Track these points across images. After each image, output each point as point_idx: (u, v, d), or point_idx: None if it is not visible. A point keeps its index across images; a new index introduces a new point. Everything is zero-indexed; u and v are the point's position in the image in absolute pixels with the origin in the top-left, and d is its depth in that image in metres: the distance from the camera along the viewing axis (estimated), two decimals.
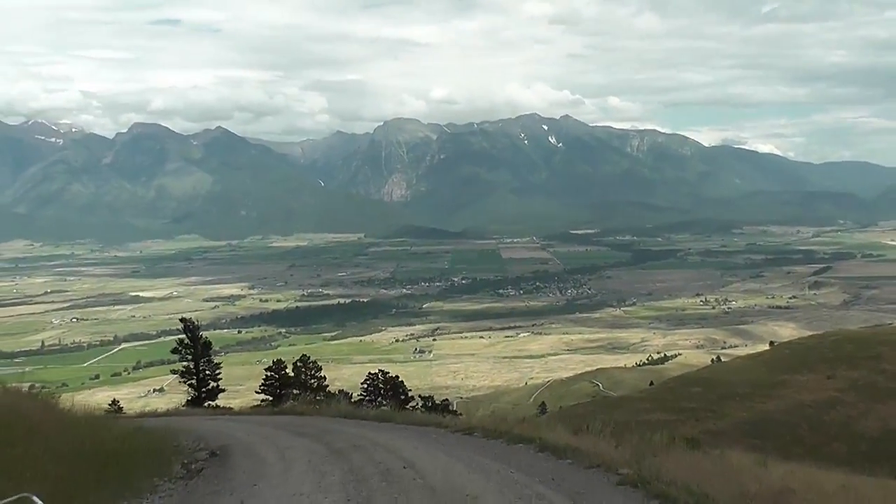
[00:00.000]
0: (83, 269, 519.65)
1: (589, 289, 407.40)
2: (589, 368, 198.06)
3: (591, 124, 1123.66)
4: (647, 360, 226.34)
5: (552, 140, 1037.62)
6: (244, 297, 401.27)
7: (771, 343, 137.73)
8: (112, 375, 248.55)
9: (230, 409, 37.59)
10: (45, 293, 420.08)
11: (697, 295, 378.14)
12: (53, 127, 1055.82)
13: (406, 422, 25.19)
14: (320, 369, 45.65)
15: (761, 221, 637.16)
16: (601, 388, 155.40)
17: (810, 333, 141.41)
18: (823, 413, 71.14)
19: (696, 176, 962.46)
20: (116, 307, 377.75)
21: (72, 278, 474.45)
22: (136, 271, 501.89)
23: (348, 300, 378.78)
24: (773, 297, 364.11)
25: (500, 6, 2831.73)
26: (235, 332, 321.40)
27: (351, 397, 46.03)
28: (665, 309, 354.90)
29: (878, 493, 18.23)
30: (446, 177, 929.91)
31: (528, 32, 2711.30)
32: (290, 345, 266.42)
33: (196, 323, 41.28)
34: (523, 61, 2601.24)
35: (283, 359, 44.94)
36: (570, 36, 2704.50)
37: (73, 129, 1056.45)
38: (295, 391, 42.46)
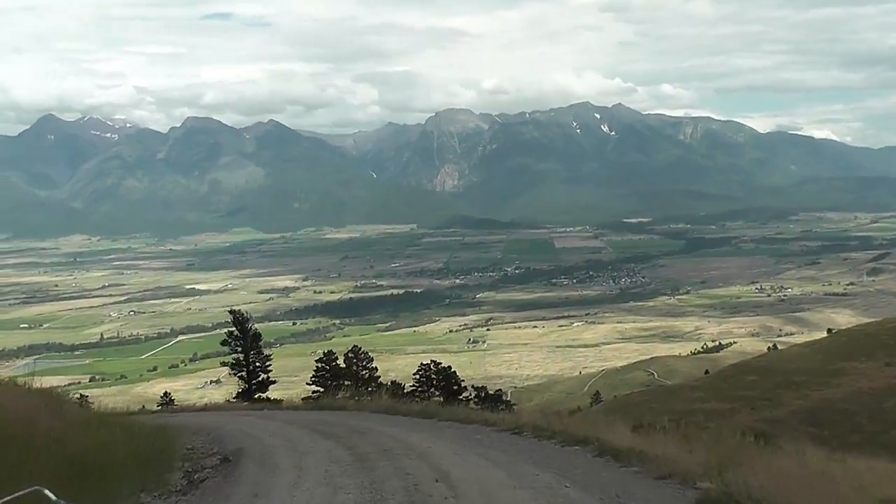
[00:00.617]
0: (139, 262, 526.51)
1: (642, 277, 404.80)
2: (643, 357, 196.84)
3: (643, 112, 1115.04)
4: (702, 348, 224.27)
5: (604, 129, 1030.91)
6: (298, 288, 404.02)
7: (828, 330, 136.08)
8: (169, 367, 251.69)
9: (279, 401, 37.56)
10: (103, 287, 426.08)
11: (752, 283, 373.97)
12: (108, 122, 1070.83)
13: (450, 418, 23.25)
14: (371, 360, 45.53)
15: (817, 208, 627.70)
16: (655, 376, 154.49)
17: (868, 320, 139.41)
18: (882, 400, 69.91)
19: (750, 163, 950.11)
20: (172, 300, 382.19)
21: (128, 272, 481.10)
22: (191, 264, 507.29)
23: (401, 291, 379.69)
24: (829, 284, 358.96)
25: None
26: (290, 323, 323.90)
27: (403, 388, 45.83)
28: (719, 297, 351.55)
29: None
30: (498, 167, 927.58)
31: (578, 21, 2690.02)
32: (344, 336, 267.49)
33: (245, 315, 41.09)
34: (574, 50, 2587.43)
35: (333, 350, 44.70)
36: (621, 24, 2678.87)
37: (128, 125, 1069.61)
38: (346, 382, 42.44)
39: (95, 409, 25.81)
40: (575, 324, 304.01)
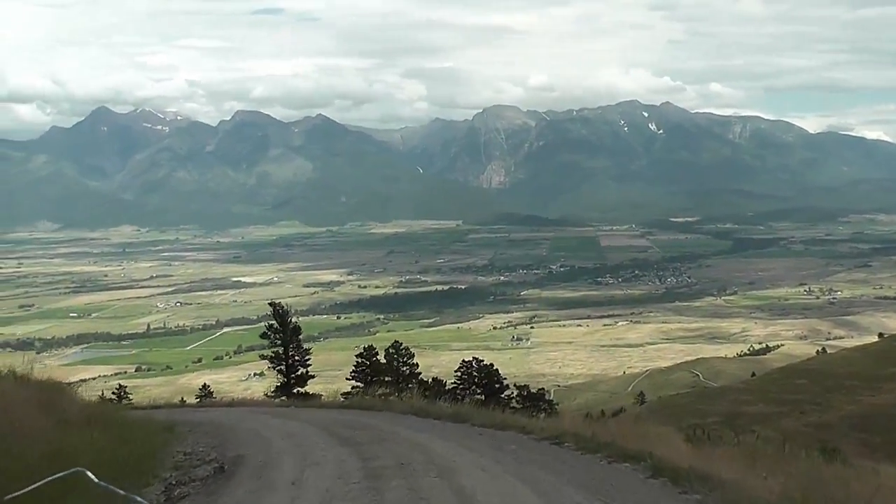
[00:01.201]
0: (187, 254, 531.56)
1: (688, 277, 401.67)
2: (688, 358, 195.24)
3: (691, 111, 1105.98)
4: (748, 350, 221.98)
5: (652, 127, 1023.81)
6: (343, 283, 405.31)
7: (880, 335, 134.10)
8: (214, 359, 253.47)
9: (318, 396, 37.31)
10: (151, 277, 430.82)
11: (801, 284, 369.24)
12: (159, 115, 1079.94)
13: (483, 423, 21.04)
14: (412, 356, 44.96)
15: (869, 210, 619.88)
16: (701, 378, 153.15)
17: None
18: None
19: (799, 163, 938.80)
20: (218, 292, 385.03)
21: (176, 263, 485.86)
22: (238, 257, 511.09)
23: (446, 287, 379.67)
24: (881, 288, 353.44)
25: None
26: (335, 317, 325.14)
27: (444, 385, 45.48)
28: (767, 298, 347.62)
29: None
30: (545, 164, 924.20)
31: (627, 18, 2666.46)
32: (388, 331, 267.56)
33: (286, 307, 40.76)
34: (622, 48, 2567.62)
35: (374, 345, 44.35)
36: (670, 22, 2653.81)
37: (179, 117, 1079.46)
38: (386, 378, 42.16)
39: (101, 405, 23.80)
40: (620, 323, 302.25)
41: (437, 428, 20.92)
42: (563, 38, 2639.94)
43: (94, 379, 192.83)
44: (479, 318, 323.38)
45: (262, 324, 41.15)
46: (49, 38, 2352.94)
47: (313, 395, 37.56)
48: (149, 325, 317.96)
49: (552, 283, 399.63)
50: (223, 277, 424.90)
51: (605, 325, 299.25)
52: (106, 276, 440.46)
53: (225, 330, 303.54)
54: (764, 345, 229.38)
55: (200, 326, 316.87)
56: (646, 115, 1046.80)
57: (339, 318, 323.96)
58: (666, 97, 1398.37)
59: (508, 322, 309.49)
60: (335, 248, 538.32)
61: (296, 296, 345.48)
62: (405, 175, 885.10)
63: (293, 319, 40.76)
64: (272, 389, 39.79)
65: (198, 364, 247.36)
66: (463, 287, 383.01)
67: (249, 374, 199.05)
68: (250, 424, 22.23)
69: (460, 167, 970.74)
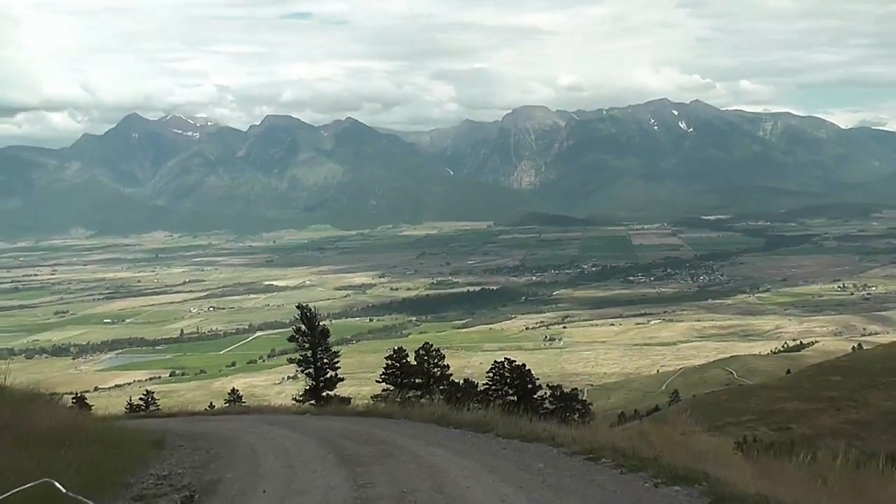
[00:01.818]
0: (219, 259, 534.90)
1: (721, 275, 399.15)
2: (722, 356, 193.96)
3: (721, 108, 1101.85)
4: (782, 347, 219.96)
5: (682, 125, 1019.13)
6: (375, 285, 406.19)
7: None
8: (248, 363, 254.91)
9: (347, 400, 37.19)
10: (184, 283, 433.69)
11: (834, 281, 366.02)
12: (190, 121, 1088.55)
13: (509, 434, 18.75)
14: (443, 357, 44.28)
15: None
16: (735, 375, 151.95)
17: None
18: None
19: (831, 159, 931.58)
20: (251, 296, 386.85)
21: (208, 268, 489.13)
22: (270, 261, 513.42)
23: (478, 288, 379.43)
24: None
25: None
26: (367, 320, 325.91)
27: (476, 386, 45.25)
28: (800, 295, 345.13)
29: None
30: (575, 163, 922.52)
31: (655, 17, 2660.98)
32: (420, 333, 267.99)
33: (313, 310, 40.64)
34: (651, 46, 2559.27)
35: (404, 347, 44.08)
36: (698, 19, 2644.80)
37: (209, 123, 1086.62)
38: (416, 380, 42.00)
39: (85, 417, 21.52)
40: (652, 321, 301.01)
41: (456, 440, 18.74)
42: (592, 38, 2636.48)
43: (129, 384, 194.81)
44: (512, 318, 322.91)
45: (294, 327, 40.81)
46: (80, 46, 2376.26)
47: (343, 399, 37.35)
48: (182, 330, 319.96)
49: (584, 282, 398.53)
50: (256, 281, 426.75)
51: (637, 323, 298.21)
52: (139, 281, 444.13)
53: (258, 334, 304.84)
54: (798, 342, 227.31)
55: (234, 331, 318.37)
56: (675, 113, 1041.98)
57: (371, 320, 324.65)
58: (695, 95, 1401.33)
59: (541, 322, 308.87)
60: (366, 251, 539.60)
61: (328, 299, 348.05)
62: (435, 177, 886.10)
63: (321, 322, 40.62)
64: (301, 393, 39.64)
65: (232, 368, 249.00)
66: (494, 288, 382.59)
67: (283, 378, 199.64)
68: (250, 437, 20.46)
69: (490, 168, 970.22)
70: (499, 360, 45.16)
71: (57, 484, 7.43)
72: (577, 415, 43.93)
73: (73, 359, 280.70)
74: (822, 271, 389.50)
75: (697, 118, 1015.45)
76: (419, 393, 41.13)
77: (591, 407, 47.97)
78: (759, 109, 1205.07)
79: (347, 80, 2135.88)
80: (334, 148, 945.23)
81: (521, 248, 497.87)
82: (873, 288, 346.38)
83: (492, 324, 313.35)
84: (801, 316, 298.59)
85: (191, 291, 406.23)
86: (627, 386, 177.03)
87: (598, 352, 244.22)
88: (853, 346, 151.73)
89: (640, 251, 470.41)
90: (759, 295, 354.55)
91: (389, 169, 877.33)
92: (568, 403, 44.06)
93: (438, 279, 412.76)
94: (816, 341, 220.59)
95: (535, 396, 43.27)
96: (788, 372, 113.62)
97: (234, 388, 58.89)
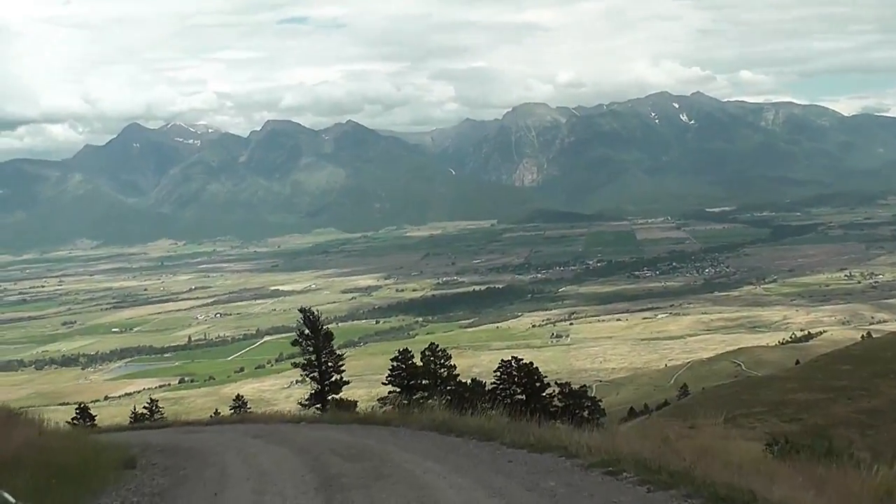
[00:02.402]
0: (224, 265, 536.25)
1: (727, 267, 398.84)
2: (730, 348, 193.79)
3: (723, 100, 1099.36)
4: (791, 338, 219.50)
5: (684, 118, 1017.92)
6: (381, 287, 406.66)
7: None
8: (256, 368, 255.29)
9: (354, 403, 37.04)
10: (190, 290, 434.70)
11: (841, 269, 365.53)
12: (191, 129, 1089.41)
13: (516, 443, 17.07)
14: (449, 357, 43.95)
15: None
16: (743, 367, 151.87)
17: None
18: None
19: (835, 147, 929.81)
20: (257, 301, 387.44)
21: (214, 275, 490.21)
22: (275, 266, 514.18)
23: (484, 287, 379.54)
24: None
25: None
26: (373, 322, 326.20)
27: (484, 386, 45.07)
28: (807, 285, 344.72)
29: None
30: (577, 159, 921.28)
31: (654, 10, 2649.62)
32: (427, 333, 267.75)
33: (316, 313, 40.39)
34: (650, 39, 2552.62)
35: (409, 348, 43.78)
36: (698, 11, 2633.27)
37: (210, 130, 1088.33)
38: (423, 381, 41.77)
39: (50, 434, 19.19)
40: (659, 315, 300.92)
41: (457, 452, 17.08)
42: (591, 33, 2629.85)
43: (139, 392, 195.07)
44: (518, 316, 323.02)
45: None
46: (79, 58, 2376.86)
47: (349, 403, 37.17)
48: (190, 337, 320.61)
49: (589, 278, 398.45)
50: (261, 287, 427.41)
51: (644, 318, 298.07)
52: (146, 290, 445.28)
53: (265, 339, 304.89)
54: (806, 332, 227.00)
55: (241, 336, 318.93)
56: (676, 106, 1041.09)
57: (377, 322, 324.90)
58: (696, 87, 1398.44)
59: (547, 319, 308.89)
60: (371, 254, 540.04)
61: (334, 302, 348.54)
62: (438, 177, 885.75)
63: (324, 325, 40.24)
64: (306, 397, 39.36)
65: (240, 374, 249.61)
66: (500, 286, 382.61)
67: (291, 382, 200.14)
68: (229, 455, 18.69)
69: (493, 167, 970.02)
70: (506, 359, 44.94)
71: (6, 494, 7.35)
72: (587, 412, 43.82)
73: (83, 368, 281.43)
74: (828, 260, 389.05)
75: (699, 110, 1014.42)
76: (426, 394, 40.97)
77: (600, 404, 47.71)
78: (760, 100, 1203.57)
79: (347, 83, 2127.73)
80: (336, 151, 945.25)
81: (525, 245, 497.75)
82: (880, 276, 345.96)
83: (498, 322, 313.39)
84: (809, 306, 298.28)
85: (197, 298, 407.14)
86: (636, 381, 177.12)
87: (605, 347, 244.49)
88: (862, 335, 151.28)
89: (645, 245, 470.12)
90: (766, 286, 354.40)
91: (392, 170, 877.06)
92: (577, 401, 43.93)
93: (444, 279, 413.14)
94: (825, 331, 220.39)
95: (544, 395, 43.17)
96: (797, 363, 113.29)
97: (238, 395, 58.86)
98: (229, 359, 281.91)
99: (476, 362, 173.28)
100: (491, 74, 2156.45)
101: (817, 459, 15.17)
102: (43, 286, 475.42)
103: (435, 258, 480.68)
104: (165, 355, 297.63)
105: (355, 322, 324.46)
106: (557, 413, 42.46)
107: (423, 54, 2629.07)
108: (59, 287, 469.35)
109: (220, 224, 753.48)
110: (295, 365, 41.52)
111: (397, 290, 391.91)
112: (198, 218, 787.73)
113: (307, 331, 38.76)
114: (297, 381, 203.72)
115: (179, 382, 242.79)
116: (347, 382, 39.74)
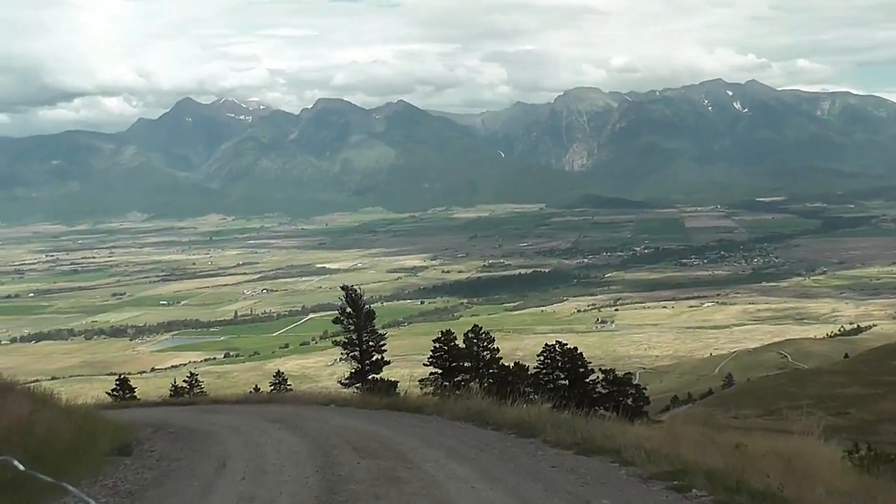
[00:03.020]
0: (272, 241, 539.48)
1: (776, 258, 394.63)
2: (776, 339, 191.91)
3: (778, 88, 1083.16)
4: (839, 331, 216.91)
5: (737, 106, 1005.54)
6: (426, 268, 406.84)
7: None
8: (301, 344, 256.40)
9: (395, 383, 36.75)
10: (238, 265, 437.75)
11: (893, 263, 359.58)
12: (242, 105, 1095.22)
13: (560, 442, 15.18)
14: (492, 340, 43.26)
15: None
16: (790, 359, 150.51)
17: None
18: None
19: (891, 139, 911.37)
20: (304, 278, 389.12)
21: (262, 251, 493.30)
22: (323, 243, 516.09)
23: (529, 270, 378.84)
24: None
25: None
26: (418, 302, 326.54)
27: (527, 370, 44.87)
28: (857, 278, 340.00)
29: None
30: (628, 145, 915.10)
31: None
32: (471, 315, 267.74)
33: (359, 291, 39.78)
34: (704, 26, 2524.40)
35: (452, 329, 43.38)
36: None
37: (261, 107, 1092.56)
38: (465, 363, 41.51)
39: (45, 412, 16.38)
40: (705, 304, 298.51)
41: (491, 450, 15.18)
42: (646, 18, 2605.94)
43: (184, 365, 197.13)
44: (563, 301, 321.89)
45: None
46: (135, 32, 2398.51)
47: (389, 383, 36.93)
48: (236, 312, 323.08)
49: (636, 265, 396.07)
50: (308, 264, 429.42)
51: (690, 306, 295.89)
52: (194, 264, 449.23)
53: (311, 316, 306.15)
54: (855, 325, 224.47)
55: (287, 313, 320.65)
56: (730, 93, 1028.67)
57: (422, 302, 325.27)
58: (751, 75, 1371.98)
59: (592, 305, 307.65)
60: (418, 234, 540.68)
61: (380, 281, 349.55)
62: (487, 159, 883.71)
63: (367, 304, 39.74)
64: (346, 377, 38.69)
65: (285, 350, 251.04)
66: (546, 270, 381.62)
67: (335, 360, 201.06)
68: (235, 444, 17.00)
69: (542, 150, 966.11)
70: (550, 344, 44.67)
71: (16, 461, 7.47)
72: (631, 399, 43.55)
73: (131, 340, 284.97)
74: (879, 253, 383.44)
75: (753, 98, 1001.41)
76: (467, 377, 40.81)
77: (644, 391, 47.31)
78: (816, 89, 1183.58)
79: (399, 62, 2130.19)
80: (386, 131, 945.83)
81: (573, 230, 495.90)
82: None
83: (543, 306, 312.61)
84: (859, 299, 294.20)
85: (244, 274, 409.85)
86: (680, 369, 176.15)
87: (650, 334, 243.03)
88: None
89: (693, 233, 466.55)
90: (815, 278, 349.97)
91: (441, 151, 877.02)
92: (621, 388, 43.64)
93: (490, 261, 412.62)
94: (874, 325, 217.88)
95: (588, 381, 42.97)
96: (846, 356, 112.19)
97: (279, 371, 59.00)
98: (274, 335, 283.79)
99: (520, 345, 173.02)
100: (543, 57, 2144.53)
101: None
102: (94, 257, 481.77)
103: (482, 240, 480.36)
104: (211, 329, 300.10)
105: (400, 302, 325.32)
106: (601, 400, 42.39)
107: (476, 36, 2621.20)
108: (110, 258, 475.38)
109: (268, 200, 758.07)
110: (336, 343, 40.61)
111: (443, 272, 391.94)
112: (247, 194, 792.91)
113: (349, 309, 38.14)
114: (340, 359, 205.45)
115: (224, 357, 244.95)
116: (388, 362, 39.02)
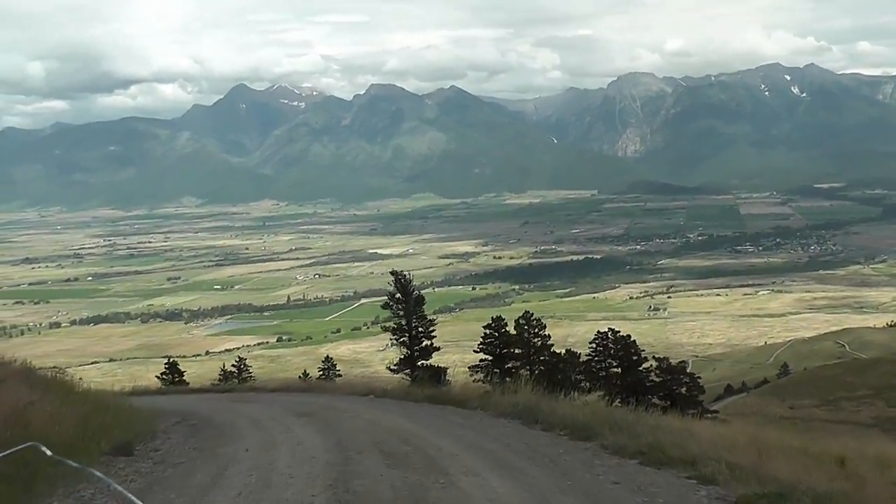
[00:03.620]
0: (324, 227, 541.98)
1: (833, 245, 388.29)
2: (833, 328, 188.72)
3: (837, 72, 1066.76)
4: None
5: (795, 90, 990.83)
6: (478, 253, 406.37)
7: None
8: (352, 329, 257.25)
9: (444, 370, 36.16)
10: (290, 250, 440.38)
11: None
12: (296, 91, 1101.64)
13: (621, 448, 13.27)
14: (544, 327, 42.84)
15: None
16: (847, 348, 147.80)
17: None
18: None
19: None
20: (356, 264, 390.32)
21: (314, 236, 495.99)
22: (374, 229, 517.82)
23: (581, 257, 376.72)
24: None
25: None
26: (470, 288, 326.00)
27: (579, 357, 44.46)
28: None
29: None
30: (682, 131, 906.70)
31: None
32: (523, 301, 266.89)
33: (408, 276, 39.25)
34: (761, 8, 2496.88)
35: (502, 316, 42.88)
36: None
37: (314, 93, 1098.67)
38: (516, 350, 41.09)
39: (47, 400, 15.18)
40: (760, 292, 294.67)
41: (541, 458, 13.23)
42: (700, 1, 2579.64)
43: (238, 349, 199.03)
44: (615, 287, 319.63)
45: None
46: (190, 19, 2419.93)
47: (439, 370, 36.37)
48: (289, 297, 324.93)
49: (690, 252, 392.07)
50: (360, 250, 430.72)
51: (745, 294, 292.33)
52: (247, 249, 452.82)
53: (362, 301, 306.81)
54: None
55: (339, 298, 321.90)
56: (788, 78, 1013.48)
57: (474, 288, 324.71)
58: (810, 59, 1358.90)
59: (645, 292, 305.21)
60: (470, 220, 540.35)
61: (431, 267, 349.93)
62: (540, 145, 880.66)
63: (416, 289, 39.11)
64: (395, 363, 38.15)
65: (337, 335, 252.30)
66: (598, 257, 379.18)
67: (387, 345, 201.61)
68: (249, 442, 15.62)
69: (595, 136, 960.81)
70: (602, 331, 44.27)
71: (43, 447, 7.30)
72: (685, 388, 42.91)
73: (186, 323, 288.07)
74: None
75: (811, 83, 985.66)
76: (518, 364, 40.37)
77: (699, 380, 46.45)
78: (877, 72, 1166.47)
79: (451, 48, 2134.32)
80: (438, 116, 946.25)
81: (625, 216, 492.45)
82: None
83: (595, 293, 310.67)
84: None
85: (297, 259, 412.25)
86: (733, 357, 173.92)
87: (703, 322, 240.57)
88: None
89: (748, 220, 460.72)
90: (874, 266, 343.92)
91: (493, 137, 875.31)
92: (675, 376, 42.99)
93: (542, 247, 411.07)
94: None
95: (640, 369, 42.42)
96: None
97: (328, 356, 58.96)
98: (327, 319, 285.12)
99: (571, 332, 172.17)
100: (596, 43, 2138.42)
101: None
102: (150, 242, 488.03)
103: (533, 226, 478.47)
104: (265, 314, 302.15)
105: (451, 288, 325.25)
106: (654, 388, 41.78)
107: (528, 21, 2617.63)
108: (165, 243, 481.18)
109: (321, 186, 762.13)
110: (385, 329, 39.93)
111: (494, 258, 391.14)
112: (300, 179, 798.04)
113: (398, 294, 37.65)
114: (392, 345, 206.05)
115: (277, 341, 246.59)
116: (438, 349, 38.32)
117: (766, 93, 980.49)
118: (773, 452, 12.24)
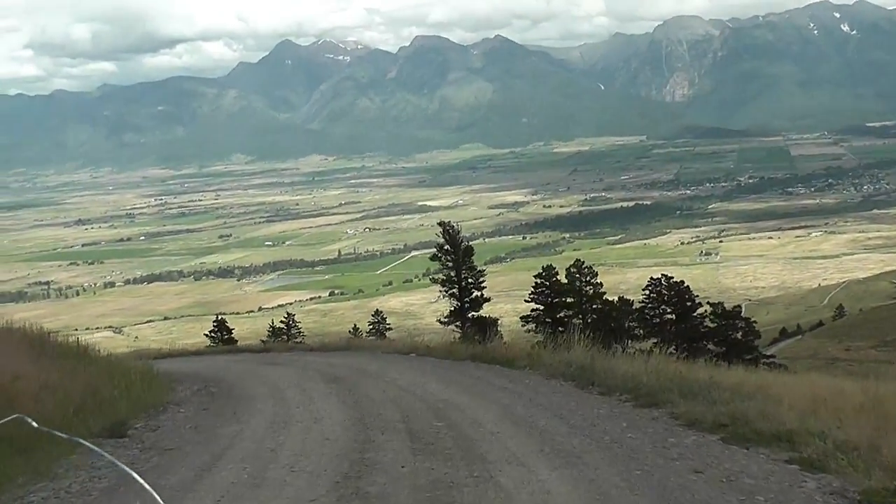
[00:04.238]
0: (373, 180, 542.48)
1: (887, 184, 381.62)
2: (889, 268, 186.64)
3: (889, 7, 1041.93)
4: None
5: (845, 28, 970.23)
6: (528, 203, 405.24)
7: None
8: (403, 282, 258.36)
9: (495, 321, 35.87)
10: (340, 205, 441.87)
11: None
12: (340, 45, 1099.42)
13: (697, 419, 11.21)
14: (595, 275, 42.21)
15: None
16: None
17: None
18: None
19: None
20: (406, 216, 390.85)
21: (363, 190, 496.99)
22: (423, 181, 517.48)
23: (631, 203, 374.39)
24: None
25: None
26: (520, 238, 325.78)
27: (632, 305, 44.27)
28: None
29: None
30: (730, 73, 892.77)
31: None
32: (574, 249, 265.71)
33: (456, 227, 38.40)
34: None
35: (553, 265, 42.17)
36: None
37: (359, 46, 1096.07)
38: (568, 299, 40.95)
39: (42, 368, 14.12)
40: (813, 234, 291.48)
41: (601, 434, 11.17)
42: None
43: (290, 304, 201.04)
44: (666, 233, 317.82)
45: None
46: None
47: (489, 321, 35.87)
48: (339, 251, 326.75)
49: (740, 195, 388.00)
50: (409, 202, 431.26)
51: (797, 236, 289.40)
52: (297, 204, 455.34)
53: (413, 254, 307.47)
54: None
55: (389, 251, 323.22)
56: (837, 15, 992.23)
57: (524, 238, 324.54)
58: None
59: (696, 237, 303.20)
60: (518, 169, 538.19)
61: (480, 217, 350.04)
62: (586, 93, 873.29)
63: (465, 240, 38.92)
64: (445, 315, 37.62)
65: (388, 287, 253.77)
66: (648, 203, 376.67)
67: (438, 297, 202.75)
68: (259, 419, 13.78)
69: (642, 81, 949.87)
70: (655, 277, 44.03)
71: (28, 419, 7.51)
72: (741, 333, 42.93)
73: (238, 280, 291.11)
74: None
75: (862, 20, 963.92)
76: (570, 312, 40.47)
77: (754, 324, 46.26)
78: None
79: None
80: (484, 67, 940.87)
81: (674, 161, 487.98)
82: None
83: (646, 239, 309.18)
84: None
85: (347, 213, 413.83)
86: (787, 300, 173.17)
87: (755, 266, 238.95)
88: None
89: (799, 161, 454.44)
90: None
91: (540, 86, 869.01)
92: (730, 322, 43.00)
93: (591, 195, 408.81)
94: None
95: (695, 314, 42.49)
96: None
97: (377, 310, 59.46)
98: (378, 273, 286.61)
99: (623, 279, 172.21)
100: None
101: None
102: (200, 200, 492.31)
103: (582, 174, 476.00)
104: (316, 268, 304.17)
105: (502, 238, 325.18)
106: (709, 335, 41.96)
107: None
108: (216, 201, 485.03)
109: (368, 139, 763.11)
110: (434, 281, 39.63)
111: (544, 206, 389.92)
112: (347, 133, 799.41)
113: (447, 246, 37.48)
114: (444, 296, 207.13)
115: (329, 295, 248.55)
116: (488, 300, 37.96)
117: (815, 31, 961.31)
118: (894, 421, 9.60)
